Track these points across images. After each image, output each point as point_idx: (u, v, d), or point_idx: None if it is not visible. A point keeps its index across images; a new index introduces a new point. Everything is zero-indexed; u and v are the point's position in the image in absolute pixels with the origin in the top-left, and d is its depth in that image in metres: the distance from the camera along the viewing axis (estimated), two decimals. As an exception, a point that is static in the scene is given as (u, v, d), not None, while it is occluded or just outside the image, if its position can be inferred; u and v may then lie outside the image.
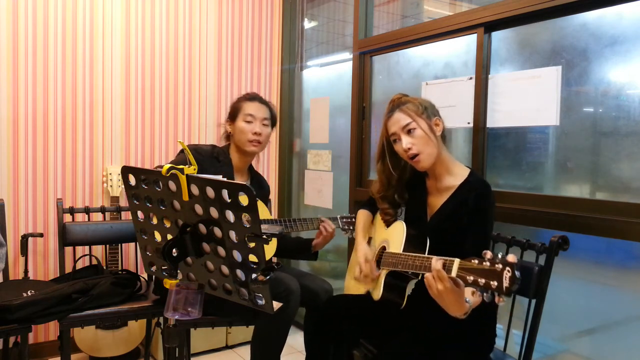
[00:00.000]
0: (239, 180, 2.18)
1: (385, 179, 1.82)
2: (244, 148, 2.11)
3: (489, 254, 1.26)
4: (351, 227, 2.21)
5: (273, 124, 2.20)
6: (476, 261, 1.27)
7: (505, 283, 1.19)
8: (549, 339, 1.96)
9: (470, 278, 1.27)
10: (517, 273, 1.19)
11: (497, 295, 1.21)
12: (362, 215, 2.00)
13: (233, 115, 2.15)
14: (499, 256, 1.23)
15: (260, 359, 1.97)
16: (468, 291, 1.41)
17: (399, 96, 1.78)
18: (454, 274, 1.33)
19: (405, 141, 1.66)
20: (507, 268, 1.20)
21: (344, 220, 2.23)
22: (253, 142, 2.09)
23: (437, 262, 1.39)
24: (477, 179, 1.68)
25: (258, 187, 2.25)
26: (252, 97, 2.17)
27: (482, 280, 1.24)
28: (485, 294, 1.24)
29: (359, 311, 1.77)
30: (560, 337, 1.98)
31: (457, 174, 1.69)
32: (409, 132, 1.66)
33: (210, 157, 2.07)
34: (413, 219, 1.79)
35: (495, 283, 1.21)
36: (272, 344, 1.96)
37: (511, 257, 1.21)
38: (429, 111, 1.69)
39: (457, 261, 1.33)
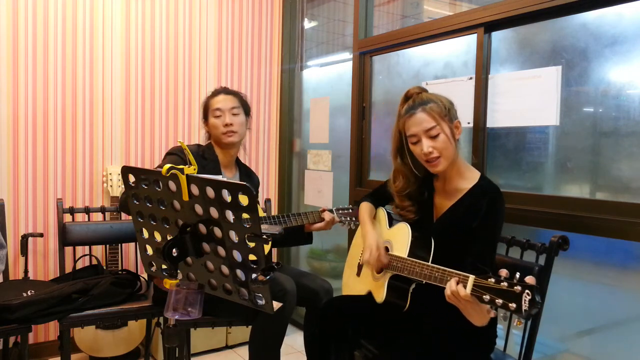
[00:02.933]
0: (227, 174, 2.20)
1: (410, 176, 1.75)
2: (221, 141, 2.13)
3: (504, 272, 1.24)
4: (348, 218, 2.21)
5: (246, 112, 2.20)
6: (493, 280, 1.25)
7: (525, 306, 1.17)
8: (549, 339, 1.96)
9: (487, 297, 1.25)
10: (537, 297, 1.16)
11: (517, 318, 1.20)
12: (366, 206, 1.95)
13: (205, 115, 2.20)
14: (517, 276, 1.21)
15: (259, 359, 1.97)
16: None
17: (417, 91, 1.69)
18: (468, 290, 1.31)
19: (427, 144, 1.59)
20: (527, 291, 1.17)
21: (340, 211, 2.22)
22: (227, 133, 2.11)
23: (451, 283, 1.37)
24: (489, 183, 1.64)
25: (247, 179, 2.27)
26: (217, 92, 2.20)
27: (499, 301, 1.22)
28: (501, 314, 1.22)
29: (360, 312, 1.77)
30: (560, 337, 1.98)
31: (468, 177, 1.66)
32: (432, 136, 1.59)
33: (196, 156, 2.09)
34: (418, 218, 1.76)
35: (514, 305, 1.18)
36: (269, 344, 1.96)
37: (530, 279, 1.19)
38: (451, 114, 1.63)
39: (471, 278, 1.31)
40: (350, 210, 2.24)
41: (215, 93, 2.19)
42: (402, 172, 1.76)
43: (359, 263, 1.94)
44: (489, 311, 1.26)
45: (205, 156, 2.12)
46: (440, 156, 1.59)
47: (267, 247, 2.11)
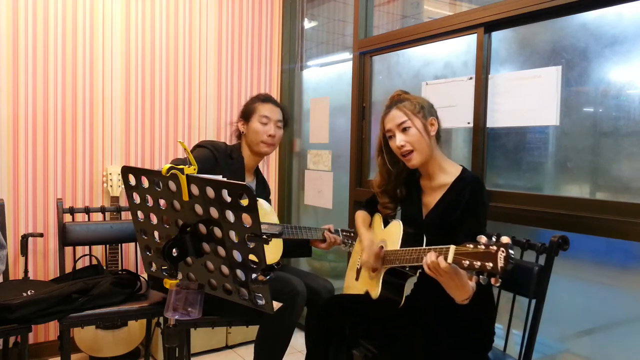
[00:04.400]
0: (249, 179, 2.22)
1: (386, 174, 1.85)
2: (257, 149, 2.14)
3: (483, 239, 1.28)
4: (350, 242, 2.23)
5: (285, 126, 2.24)
6: (471, 245, 1.29)
7: (500, 263, 1.21)
8: (549, 339, 1.96)
9: (466, 262, 1.29)
10: (511, 252, 1.21)
11: (494, 276, 1.23)
12: (361, 213, 2.04)
13: (247, 115, 2.18)
14: (493, 239, 1.25)
15: (264, 359, 1.97)
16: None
17: (398, 93, 1.81)
18: (450, 260, 1.35)
19: (399, 138, 1.69)
20: (502, 249, 1.22)
21: (344, 233, 2.25)
22: (267, 143, 2.13)
23: (430, 254, 1.42)
24: (470, 175, 1.72)
25: (262, 188, 2.30)
26: (266, 99, 2.21)
27: (477, 263, 1.26)
28: (481, 277, 1.26)
29: (359, 311, 1.78)
30: (560, 337, 1.98)
31: (450, 172, 1.72)
32: (403, 130, 1.69)
33: (224, 154, 2.11)
34: (409, 218, 1.82)
35: (491, 264, 1.23)
36: (276, 344, 1.96)
37: (505, 238, 1.24)
38: (425, 110, 1.72)
39: (452, 248, 1.35)
40: (352, 234, 2.25)
41: (265, 99, 2.20)
42: (380, 170, 1.87)
43: (357, 267, 1.96)
44: (471, 277, 1.31)
45: (233, 156, 2.12)
46: (413, 150, 1.69)
47: (276, 258, 2.11)
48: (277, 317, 1.84)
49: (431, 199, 1.75)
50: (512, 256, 1.21)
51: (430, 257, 1.41)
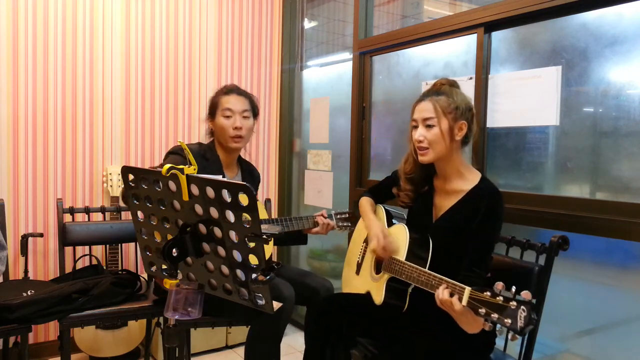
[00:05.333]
0: (229, 174, 2.16)
1: (414, 162, 1.77)
2: (227, 144, 2.08)
3: (500, 286, 1.24)
4: (345, 224, 2.21)
5: (255, 115, 2.15)
6: (488, 293, 1.25)
7: (520, 323, 1.17)
8: (549, 339, 1.96)
9: (482, 310, 1.25)
10: (533, 314, 1.16)
11: (512, 333, 1.19)
12: (367, 200, 1.97)
13: (212, 111, 2.11)
14: (513, 290, 1.21)
15: None
16: None
17: (442, 82, 1.72)
18: (464, 302, 1.32)
19: (420, 132, 1.65)
20: (522, 307, 1.17)
21: (339, 216, 2.22)
22: (235, 137, 2.06)
23: (444, 291, 1.38)
24: (489, 185, 1.65)
25: (250, 177, 2.24)
26: (229, 90, 2.12)
27: (495, 315, 1.22)
28: (496, 328, 1.22)
29: (357, 309, 1.77)
30: (560, 337, 1.98)
31: (468, 178, 1.67)
32: (427, 126, 1.63)
33: (198, 156, 2.03)
34: (417, 216, 1.78)
35: (509, 321, 1.18)
36: (265, 348, 1.95)
37: (526, 294, 1.19)
38: (458, 112, 1.63)
39: (467, 290, 1.32)
40: (347, 215, 2.24)
41: (227, 91, 2.11)
42: (410, 157, 1.79)
43: (357, 261, 1.95)
44: (485, 324, 1.26)
45: (207, 156, 2.06)
46: (429, 148, 1.64)
47: (269, 249, 2.11)
48: (265, 321, 1.84)
49: (444, 202, 1.70)
50: (534, 317, 1.16)
51: (443, 294, 1.38)
